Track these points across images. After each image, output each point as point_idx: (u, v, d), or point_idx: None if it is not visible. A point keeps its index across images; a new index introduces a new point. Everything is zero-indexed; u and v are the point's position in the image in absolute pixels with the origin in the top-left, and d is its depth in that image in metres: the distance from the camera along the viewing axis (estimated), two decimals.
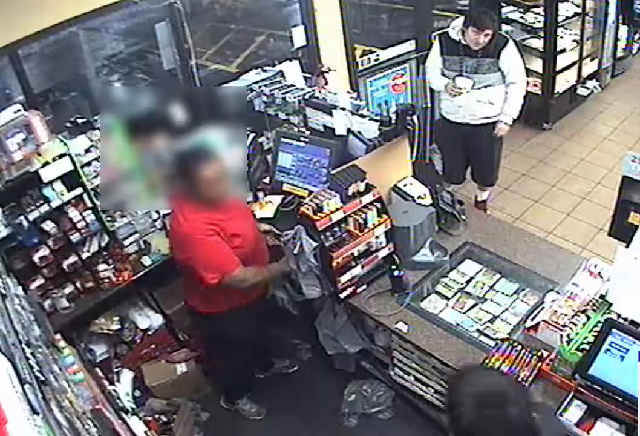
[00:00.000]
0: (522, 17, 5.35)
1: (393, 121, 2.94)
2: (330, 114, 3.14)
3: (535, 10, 5.26)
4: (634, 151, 2.49)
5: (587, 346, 2.12)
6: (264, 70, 3.64)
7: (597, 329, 2.14)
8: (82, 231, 3.02)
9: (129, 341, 3.36)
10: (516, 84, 3.76)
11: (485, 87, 3.74)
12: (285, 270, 2.72)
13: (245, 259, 2.56)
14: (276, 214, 3.10)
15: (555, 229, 4.33)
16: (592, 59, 5.79)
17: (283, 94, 3.35)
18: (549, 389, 2.21)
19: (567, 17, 5.25)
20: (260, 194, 3.29)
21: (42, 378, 1.47)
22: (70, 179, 2.88)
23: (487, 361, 2.30)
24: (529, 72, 5.32)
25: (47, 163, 2.76)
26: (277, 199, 3.19)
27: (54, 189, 2.85)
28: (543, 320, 2.35)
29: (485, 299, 2.79)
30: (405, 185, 3.11)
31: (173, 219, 2.59)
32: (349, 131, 3.10)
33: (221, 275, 2.47)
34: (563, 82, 5.47)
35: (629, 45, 6.29)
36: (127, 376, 2.58)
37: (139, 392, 3.13)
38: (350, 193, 2.60)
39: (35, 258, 2.91)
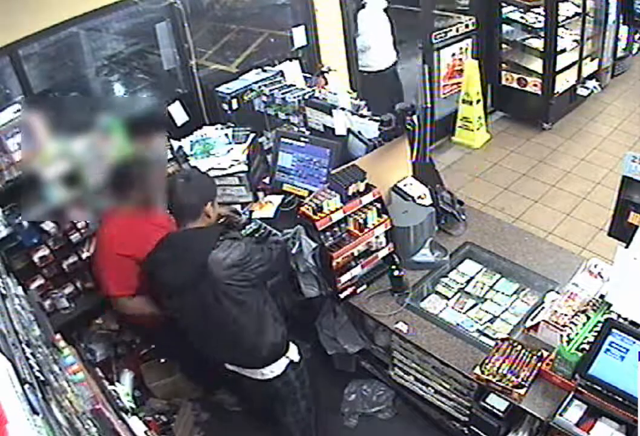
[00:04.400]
0: (522, 17, 5.34)
1: (393, 121, 2.94)
2: (330, 114, 3.14)
3: (536, 10, 5.25)
4: (634, 151, 2.49)
5: (587, 346, 2.12)
6: (264, 70, 3.64)
7: (597, 329, 2.14)
8: (82, 231, 3.01)
9: (129, 341, 3.36)
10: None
11: None
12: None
13: None
14: (276, 214, 3.10)
15: (555, 229, 4.33)
16: (592, 59, 5.79)
17: (283, 94, 3.35)
18: (549, 389, 2.21)
19: (568, 17, 5.25)
20: (260, 194, 3.29)
21: (42, 378, 1.46)
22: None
23: (487, 361, 2.30)
24: (529, 72, 5.36)
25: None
26: (277, 199, 3.20)
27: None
28: (543, 320, 2.36)
29: (485, 299, 2.79)
30: (405, 185, 3.11)
31: (102, 228, 2.67)
32: (349, 131, 3.09)
33: (107, 291, 2.57)
34: (563, 82, 5.47)
35: (629, 45, 6.29)
36: (127, 376, 2.58)
37: (139, 392, 3.13)
38: (350, 193, 2.60)
39: (35, 258, 2.91)
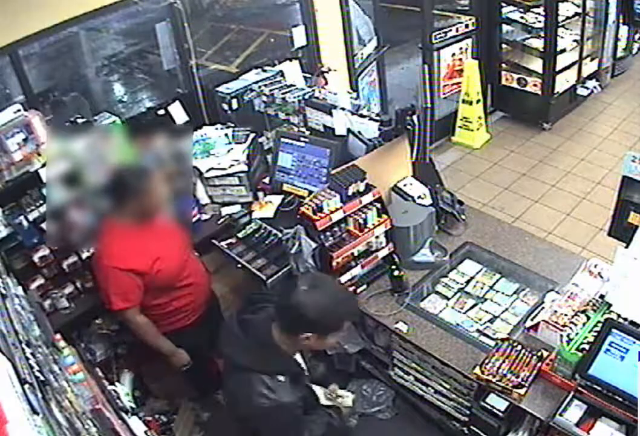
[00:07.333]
0: (522, 17, 5.33)
1: (393, 121, 2.94)
2: (330, 114, 3.14)
3: (536, 10, 5.24)
4: (634, 151, 2.49)
5: (587, 346, 2.12)
6: (264, 70, 3.64)
7: (597, 329, 2.14)
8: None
9: (129, 341, 3.35)
10: None
11: None
12: (179, 364, 2.81)
13: (170, 284, 2.60)
14: (276, 214, 3.10)
15: (555, 229, 4.33)
16: (592, 59, 5.78)
17: (283, 94, 3.35)
18: (549, 389, 2.21)
19: (568, 17, 5.24)
20: (260, 194, 3.29)
21: (42, 378, 1.46)
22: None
23: (487, 361, 2.30)
24: (529, 72, 5.36)
25: (47, 163, 2.76)
26: (277, 199, 3.19)
27: None
28: (543, 320, 2.36)
29: (485, 299, 2.79)
30: (405, 185, 3.11)
31: (100, 241, 2.62)
32: (349, 131, 3.10)
33: (110, 305, 2.54)
34: (563, 82, 5.47)
35: (629, 45, 6.29)
36: (127, 376, 2.58)
37: (139, 392, 3.12)
38: (350, 193, 2.60)
39: (35, 258, 2.90)
